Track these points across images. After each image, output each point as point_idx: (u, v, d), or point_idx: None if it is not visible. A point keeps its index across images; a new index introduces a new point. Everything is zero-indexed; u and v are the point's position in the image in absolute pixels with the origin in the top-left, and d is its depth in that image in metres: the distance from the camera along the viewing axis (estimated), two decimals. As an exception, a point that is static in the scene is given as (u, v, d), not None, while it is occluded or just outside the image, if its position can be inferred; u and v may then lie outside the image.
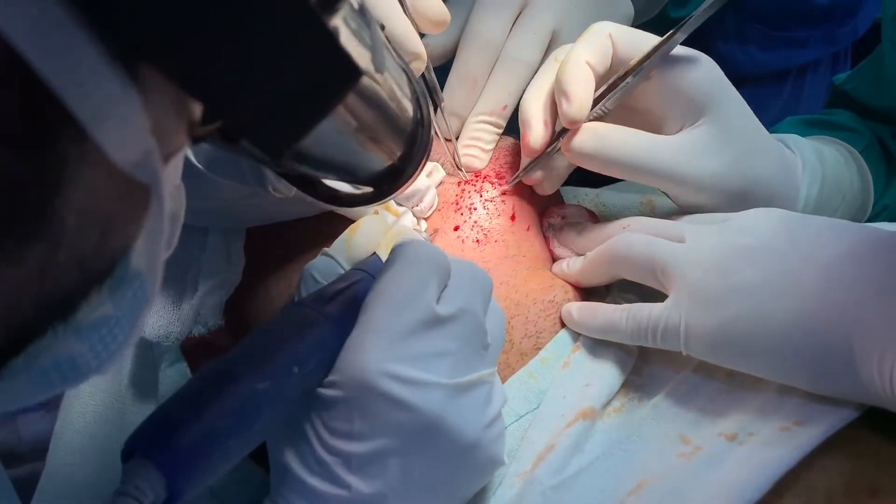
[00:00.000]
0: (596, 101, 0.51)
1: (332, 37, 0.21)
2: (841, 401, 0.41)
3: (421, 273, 0.41)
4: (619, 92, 0.50)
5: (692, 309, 0.45)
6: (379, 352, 0.37)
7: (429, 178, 0.57)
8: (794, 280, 0.42)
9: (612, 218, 0.56)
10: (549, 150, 0.54)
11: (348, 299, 0.41)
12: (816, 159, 0.58)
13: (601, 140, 0.50)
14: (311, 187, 0.39)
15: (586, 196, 0.67)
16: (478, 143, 0.58)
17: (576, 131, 0.50)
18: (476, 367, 0.41)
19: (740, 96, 0.53)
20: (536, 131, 0.53)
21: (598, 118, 0.52)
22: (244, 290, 0.55)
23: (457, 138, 0.60)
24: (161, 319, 0.53)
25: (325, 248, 0.46)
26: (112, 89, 0.19)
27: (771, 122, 0.70)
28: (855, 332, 0.39)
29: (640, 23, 0.73)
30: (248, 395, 0.35)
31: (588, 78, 0.50)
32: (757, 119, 0.54)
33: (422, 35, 0.48)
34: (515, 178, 0.56)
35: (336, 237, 0.53)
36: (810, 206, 0.56)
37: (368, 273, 0.43)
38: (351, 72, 0.22)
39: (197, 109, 0.24)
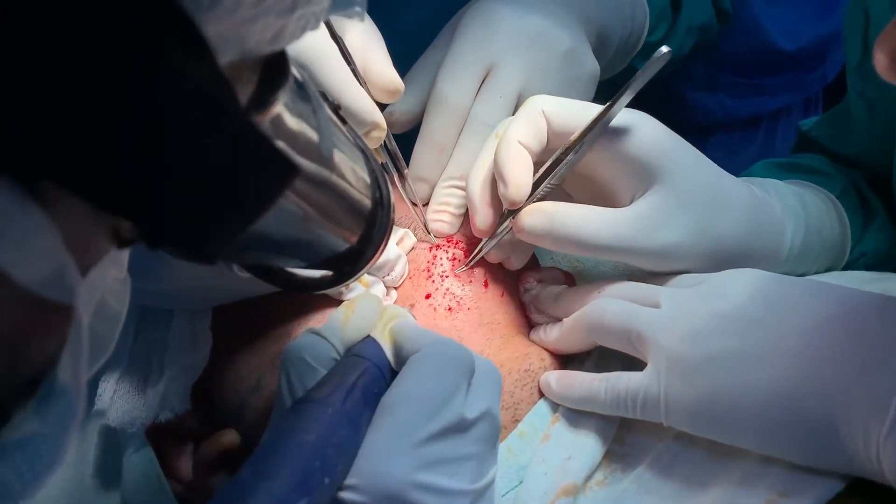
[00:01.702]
0: (541, 180, 0.50)
1: (261, 136, 0.20)
2: (825, 470, 0.40)
3: (454, 376, 0.40)
4: (563, 169, 0.50)
5: (670, 379, 0.44)
6: (408, 459, 0.36)
7: (399, 246, 0.56)
8: (772, 349, 0.41)
9: (589, 277, 0.56)
10: (500, 230, 0.53)
11: (361, 394, 0.39)
12: (800, 205, 0.57)
13: (550, 219, 0.49)
14: (267, 272, 0.38)
15: (561, 255, 0.66)
16: (447, 207, 0.58)
17: (525, 212, 0.50)
18: (491, 465, 0.41)
19: (695, 151, 0.51)
20: (482, 214, 0.52)
21: (548, 194, 0.51)
22: (212, 371, 0.53)
23: (426, 204, 0.59)
24: (125, 405, 0.52)
25: (314, 328, 0.44)
26: (6, 205, 0.17)
27: (745, 169, 0.70)
28: (838, 405, 0.38)
29: (608, 77, 0.73)
30: None
31: (523, 159, 0.49)
32: (718, 170, 0.52)
33: (381, 106, 0.48)
34: (472, 259, 0.56)
35: (307, 311, 0.53)
36: (794, 253, 0.55)
37: (372, 362, 0.42)
38: (285, 169, 0.21)
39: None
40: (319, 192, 0.30)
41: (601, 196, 0.51)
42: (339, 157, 0.32)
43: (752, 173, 0.69)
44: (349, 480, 0.36)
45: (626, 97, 0.47)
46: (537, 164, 0.51)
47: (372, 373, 0.41)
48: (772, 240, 0.53)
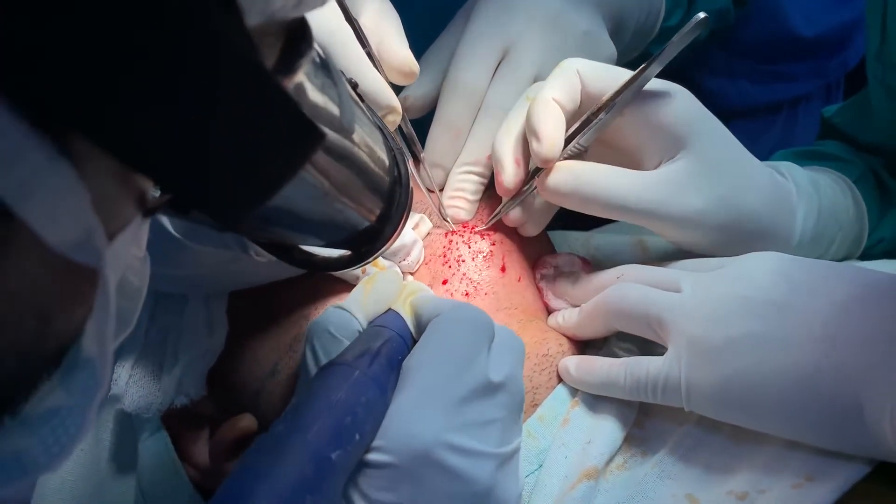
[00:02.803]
0: (569, 139, 0.51)
1: (289, 99, 0.20)
2: (851, 454, 0.40)
3: (474, 337, 0.40)
4: (593, 128, 0.50)
5: (692, 364, 0.44)
6: (437, 420, 0.37)
7: (415, 231, 0.56)
8: (795, 332, 0.41)
9: (604, 263, 0.55)
10: (525, 189, 0.54)
11: (387, 359, 0.40)
12: (812, 188, 0.57)
13: (576, 178, 0.49)
14: (286, 252, 0.38)
15: (577, 240, 0.66)
16: (463, 193, 0.58)
17: (550, 170, 0.50)
18: (516, 434, 0.41)
19: (723, 127, 0.52)
20: (508, 171, 0.53)
21: (574, 156, 0.51)
22: (228, 356, 0.54)
23: (442, 189, 0.59)
24: (141, 390, 0.52)
25: (338, 303, 0.45)
26: (39, 162, 0.17)
27: (764, 157, 0.69)
28: (863, 387, 0.38)
29: (624, 62, 0.73)
30: (323, 465, 0.33)
31: (557, 117, 0.50)
32: (743, 148, 0.53)
33: (396, 88, 0.48)
34: (493, 218, 0.56)
35: (323, 296, 0.53)
36: (807, 236, 0.55)
37: (395, 331, 0.43)
38: (312, 135, 0.21)
39: (145, 178, 0.23)
40: (340, 166, 0.30)
41: (627, 162, 0.51)
42: (359, 133, 0.32)
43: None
44: (376, 442, 0.37)
45: (661, 62, 0.47)
46: (568, 125, 0.51)
47: (395, 341, 0.42)
48: (785, 223, 0.54)
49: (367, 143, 0.34)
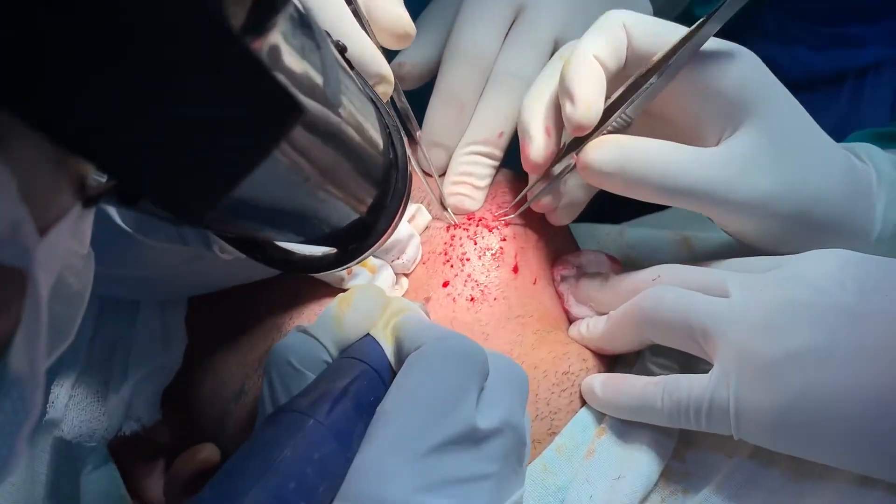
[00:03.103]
0: (613, 108, 0.50)
1: (260, 64, 0.20)
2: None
3: (460, 375, 0.39)
4: (642, 95, 0.49)
5: (742, 383, 0.43)
6: (407, 477, 0.35)
7: (411, 224, 0.56)
8: (867, 344, 0.40)
9: (639, 264, 0.55)
10: (558, 167, 0.53)
11: (353, 403, 0.39)
12: None
13: (624, 154, 0.49)
14: (258, 249, 0.38)
15: (607, 236, 0.66)
16: (469, 178, 0.57)
17: (590, 144, 0.49)
18: (514, 489, 0.40)
19: (791, 96, 0.52)
20: (537, 141, 0.52)
21: (619, 129, 0.51)
22: (187, 374, 0.53)
23: (443, 174, 0.59)
24: (83, 414, 0.52)
25: (302, 324, 0.44)
26: None
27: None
28: None
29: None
30: None
31: (597, 75, 0.49)
32: (815, 124, 0.52)
33: (389, 53, 0.48)
34: (520, 204, 0.56)
35: (302, 303, 0.52)
36: (889, 231, 0.54)
37: (369, 365, 0.41)
38: (289, 108, 0.21)
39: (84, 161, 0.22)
40: (324, 147, 0.30)
41: (680, 137, 0.51)
42: (347, 107, 0.32)
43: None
44: None
45: (721, 18, 0.46)
46: (610, 88, 0.51)
47: (368, 378, 0.40)
48: (863, 214, 0.53)
49: (357, 119, 0.33)
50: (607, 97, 0.50)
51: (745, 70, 0.49)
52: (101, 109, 0.18)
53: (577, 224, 0.62)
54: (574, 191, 0.55)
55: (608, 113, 0.50)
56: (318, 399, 0.38)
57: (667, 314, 0.48)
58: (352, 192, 0.35)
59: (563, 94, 0.50)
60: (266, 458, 0.35)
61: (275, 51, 0.25)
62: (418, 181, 0.57)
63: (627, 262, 0.59)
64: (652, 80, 0.49)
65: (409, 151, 0.39)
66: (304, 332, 0.43)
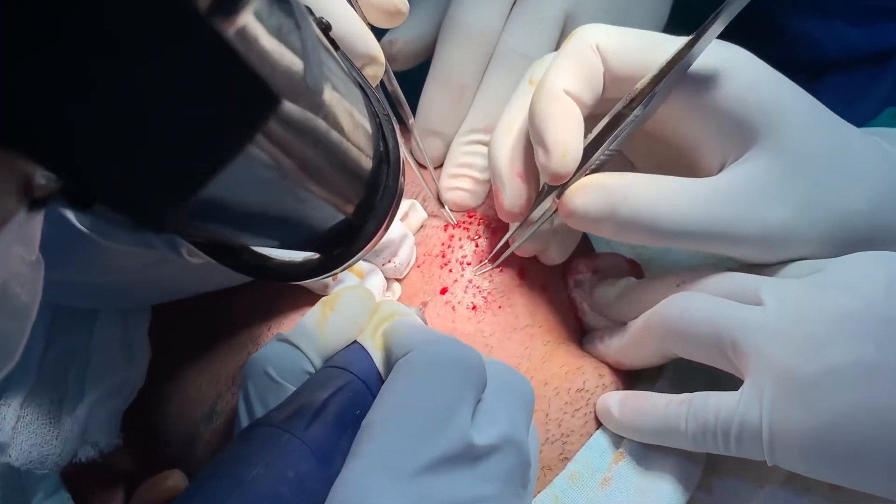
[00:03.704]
0: (596, 143, 0.49)
1: (230, 49, 0.20)
2: None
3: (452, 384, 0.39)
4: (626, 129, 0.48)
5: (778, 402, 0.43)
6: (392, 500, 0.35)
7: (404, 223, 0.56)
8: None
9: (660, 268, 0.55)
10: (538, 212, 0.52)
11: (335, 417, 0.39)
12: None
13: (611, 196, 0.48)
14: (230, 255, 0.38)
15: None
16: (469, 171, 0.57)
17: (574, 189, 0.49)
18: None
19: (810, 99, 0.50)
20: (511, 189, 0.52)
21: (603, 165, 0.50)
22: (151, 392, 0.53)
23: (440, 166, 0.59)
24: (33, 438, 0.51)
25: (282, 332, 0.44)
26: None
27: (867, 120, 0.68)
28: None
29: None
30: None
31: (571, 114, 0.48)
32: (840, 122, 0.51)
33: (379, 31, 0.47)
34: (495, 255, 0.55)
35: (281, 312, 0.52)
36: None
37: (355, 375, 0.41)
38: (264, 99, 0.21)
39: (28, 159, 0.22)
40: (305, 140, 0.29)
41: (677, 165, 0.50)
42: (331, 94, 0.31)
43: (878, 125, 0.67)
44: None
45: (717, 27, 0.45)
46: (589, 122, 0.50)
47: (354, 389, 0.40)
48: None
49: (343, 108, 0.33)
50: (587, 132, 0.49)
51: (747, 82, 0.48)
52: (46, 102, 0.18)
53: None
54: (564, 230, 0.55)
55: (589, 151, 0.49)
56: (296, 412, 0.38)
57: (693, 325, 0.47)
58: (337, 191, 0.34)
59: (534, 137, 0.49)
60: (236, 476, 0.35)
61: (246, 32, 0.24)
62: (412, 174, 0.57)
63: (646, 265, 0.59)
64: (636, 110, 0.48)
65: (401, 143, 0.39)
66: (284, 340, 0.43)
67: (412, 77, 0.58)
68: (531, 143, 0.51)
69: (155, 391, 0.53)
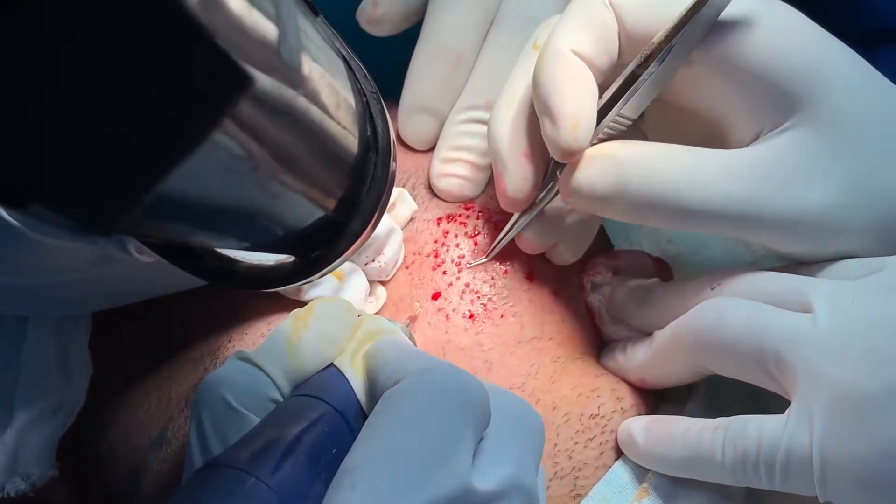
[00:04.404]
0: (605, 110, 0.49)
1: (191, 19, 0.20)
2: None
3: (451, 419, 0.38)
4: (642, 92, 0.48)
5: (831, 427, 0.43)
6: None
7: (391, 216, 0.55)
8: None
9: (691, 268, 0.55)
10: (541, 197, 0.52)
11: (308, 457, 0.38)
12: None
13: (624, 170, 0.47)
14: (190, 258, 0.37)
15: (642, 229, 0.65)
16: (467, 154, 0.57)
17: (577, 161, 0.48)
18: None
19: (859, 61, 0.50)
20: (514, 172, 0.52)
21: (615, 135, 0.50)
22: (91, 416, 0.53)
23: (431, 149, 0.59)
24: (-48, 469, 0.51)
25: (244, 350, 0.44)
26: None
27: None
28: None
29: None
30: None
31: (582, 78, 0.48)
32: (893, 87, 0.51)
33: None
34: (494, 248, 0.55)
35: (246, 320, 0.52)
36: None
37: (331, 405, 0.41)
38: (232, 78, 0.21)
39: None
40: (279, 124, 0.29)
41: (702, 140, 0.50)
42: (311, 68, 0.31)
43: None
44: None
45: None
46: (599, 88, 0.49)
47: (330, 423, 0.40)
48: None
49: (325, 86, 0.32)
50: (598, 97, 0.49)
51: (785, 37, 0.48)
52: None
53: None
54: (577, 223, 0.55)
55: (601, 115, 0.49)
56: (262, 451, 0.37)
57: (730, 335, 0.47)
58: (316, 184, 0.34)
59: (539, 108, 0.49)
60: None
61: (209, 1, 0.24)
62: (401, 159, 0.57)
63: (674, 265, 0.59)
64: (651, 69, 0.47)
65: (391, 126, 0.39)
66: (246, 359, 0.43)
67: (396, 45, 0.59)
68: (535, 118, 0.50)
69: (96, 413, 0.53)
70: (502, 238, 0.54)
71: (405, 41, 0.59)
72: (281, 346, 0.43)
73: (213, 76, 0.21)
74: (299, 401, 0.41)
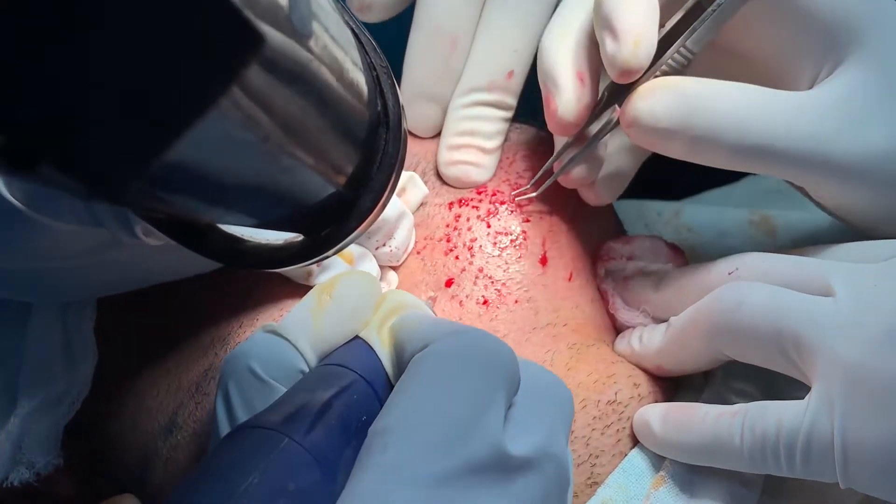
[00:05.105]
0: (669, 41, 0.49)
1: None
2: None
3: (482, 381, 0.38)
4: (707, 22, 0.48)
5: (853, 411, 0.43)
6: None
7: (401, 199, 0.55)
8: None
9: (707, 254, 0.54)
10: (595, 126, 0.52)
11: (340, 421, 0.38)
12: None
13: (687, 103, 0.47)
14: (196, 236, 0.38)
15: (658, 216, 0.66)
16: (473, 139, 0.57)
17: (638, 92, 0.48)
18: None
19: None
20: (567, 92, 0.51)
21: (677, 70, 0.50)
22: (98, 403, 0.53)
23: (437, 136, 0.59)
24: (-45, 458, 0.51)
25: (271, 323, 0.44)
26: None
27: None
28: None
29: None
30: None
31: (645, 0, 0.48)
32: None
33: None
34: (544, 179, 0.55)
35: (256, 305, 0.52)
36: None
37: (359, 374, 0.41)
38: (243, 39, 0.21)
39: None
40: (289, 93, 0.29)
41: (760, 78, 0.50)
42: (322, 38, 0.31)
43: None
44: None
45: None
46: (661, 17, 0.49)
47: (358, 391, 0.40)
48: None
49: (335, 56, 0.32)
50: (660, 25, 0.49)
51: None
52: None
53: (620, 201, 0.62)
54: (617, 157, 0.55)
55: (662, 47, 0.49)
56: (295, 414, 0.37)
57: (749, 320, 0.47)
58: (326, 158, 0.34)
59: (600, 25, 0.49)
60: (227, 486, 0.34)
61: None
62: (409, 144, 0.57)
63: (690, 251, 0.59)
64: (716, 2, 0.48)
65: (402, 102, 0.39)
66: (273, 332, 0.43)
67: (389, 31, 0.58)
68: (591, 42, 0.51)
69: (102, 401, 0.53)
70: (548, 174, 0.54)
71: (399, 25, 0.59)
72: (306, 317, 0.43)
73: (225, 37, 0.21)
74: (328, 369, 0.41)
